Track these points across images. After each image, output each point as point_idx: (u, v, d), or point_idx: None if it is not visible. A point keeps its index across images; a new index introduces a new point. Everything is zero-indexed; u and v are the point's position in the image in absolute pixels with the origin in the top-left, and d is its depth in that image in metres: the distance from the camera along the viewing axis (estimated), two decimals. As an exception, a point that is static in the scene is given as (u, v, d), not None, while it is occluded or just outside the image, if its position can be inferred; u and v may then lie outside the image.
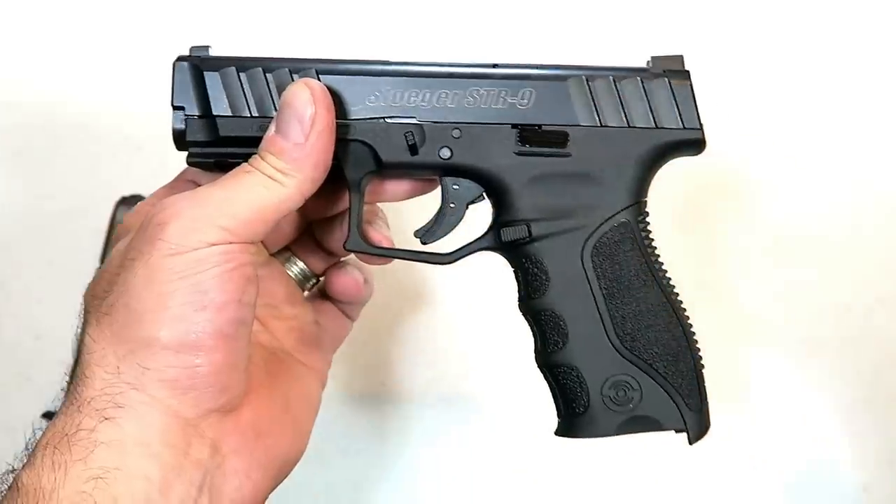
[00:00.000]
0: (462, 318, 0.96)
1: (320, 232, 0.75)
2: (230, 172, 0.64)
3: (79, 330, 0.63)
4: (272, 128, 0.64)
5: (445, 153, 0.67)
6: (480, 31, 0.95)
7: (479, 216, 0.71)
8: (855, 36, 0.97)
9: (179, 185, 0.71)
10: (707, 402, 0.68)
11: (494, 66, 0.68)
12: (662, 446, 0.91)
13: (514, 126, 0.67)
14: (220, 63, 0.67)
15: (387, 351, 0.97)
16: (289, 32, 0.97)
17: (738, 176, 0.97)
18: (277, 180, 0.62)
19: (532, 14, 0.94)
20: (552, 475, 0.94)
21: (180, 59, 0.67)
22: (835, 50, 0.97)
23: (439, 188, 0.70)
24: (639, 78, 0.68)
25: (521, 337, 0.70)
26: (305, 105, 0.62)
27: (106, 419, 0.58)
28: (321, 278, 0.77)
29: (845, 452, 0.93)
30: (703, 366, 0.68)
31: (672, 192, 0.94)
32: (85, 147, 0.97)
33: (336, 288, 0.76)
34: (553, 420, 0.70)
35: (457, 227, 0.70)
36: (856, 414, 0.95)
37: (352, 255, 0.75)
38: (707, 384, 0.68)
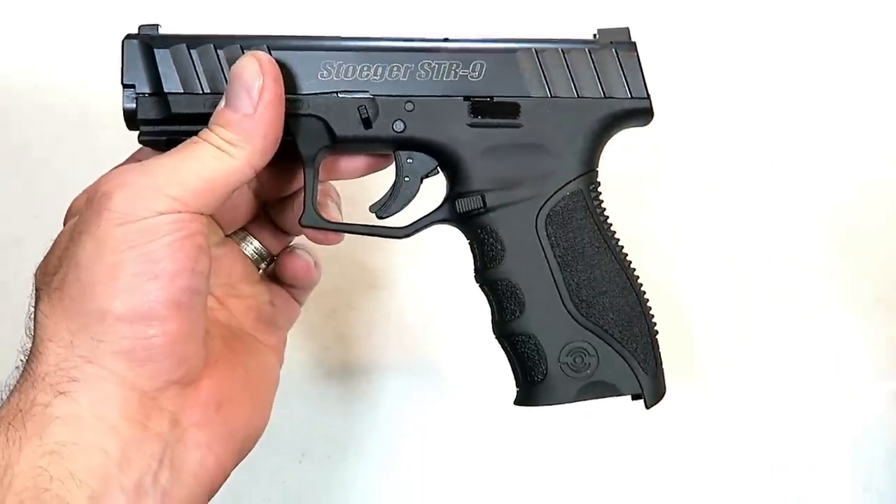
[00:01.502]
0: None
1: (275, 212, 0.75)
2: (180, 145, 0.64)
3: (31, 308, 0.62)
4: (222, 101, 0.64)
5: (399, 126, 0.68)
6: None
7: (434, 192, 0.71)
8: (847, 25, 0.98)
9: (130, 164, 0.70)
10: (662, 367, 0.69)
11: (445, 39, 0.69)
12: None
13: (467, 98, 0.68)
14: (171, 40, 0.67)
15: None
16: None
17: (736, 172, 0.97)
18: (226, 151, 0.62)
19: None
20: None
21: (129, 36, 0.67)
22: (821, 40, 0.98)
23: (394, 163, 0.70)
24: (587, 49, 0.69)
25: (479, 309, 0.71)
26: (254, 77, 0.63)
27: (61, 393, 0.58)
28: (276, 258, 0.77)
29: (845, 452, 0.93)
30: (657, 331, 0.69)
31: (672, 189, 0.97)
32: (85, 145, 0.96)
33: (288, 272, 0.76)
34: (512, 389, 0.70)
35: (412, 202, 0.70)
36: (855, 413, 0.95)
37: (303, 239, 0.75)
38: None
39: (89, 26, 0.97)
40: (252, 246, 0.76)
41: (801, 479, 0.94)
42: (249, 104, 0.62)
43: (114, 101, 0.94)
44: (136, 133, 0.68)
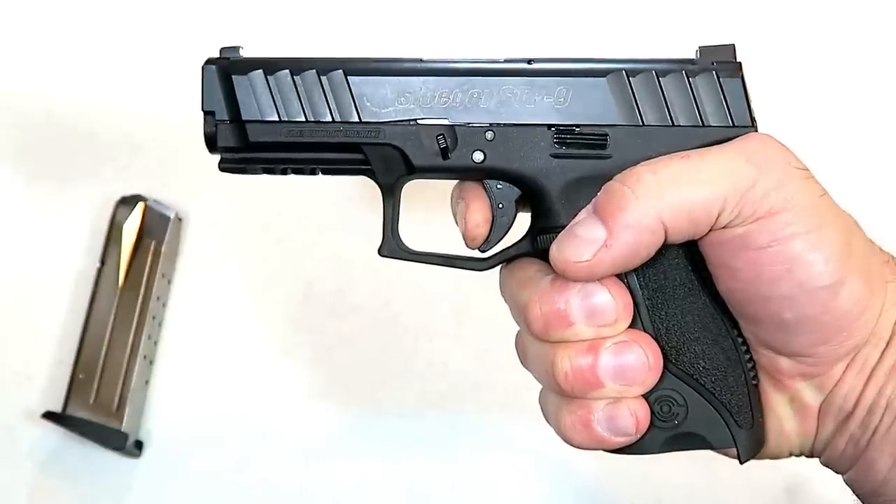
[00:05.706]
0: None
1: None
2: None
3: None
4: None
5: (478, 157, 0.64)
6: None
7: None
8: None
9: None
10: (761, 418, 0.64)
11: (529, 61, 0.64)
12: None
13: (550, 127, 0.64)
14: (249, 65, 0.65)
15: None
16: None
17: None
18: None
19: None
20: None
21: (209, 62, 0.66)
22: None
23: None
24: (683, 72, 0.63)
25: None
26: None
27: None
28: None
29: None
30: (757, 379, 0.64)
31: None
32: (85, 147, 0.98)
33: None
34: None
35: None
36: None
37: None
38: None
39: (90, 26, 0.98)
40: None
41: (801, 479, 0.90)
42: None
43: (115, 101, 0.97)
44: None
